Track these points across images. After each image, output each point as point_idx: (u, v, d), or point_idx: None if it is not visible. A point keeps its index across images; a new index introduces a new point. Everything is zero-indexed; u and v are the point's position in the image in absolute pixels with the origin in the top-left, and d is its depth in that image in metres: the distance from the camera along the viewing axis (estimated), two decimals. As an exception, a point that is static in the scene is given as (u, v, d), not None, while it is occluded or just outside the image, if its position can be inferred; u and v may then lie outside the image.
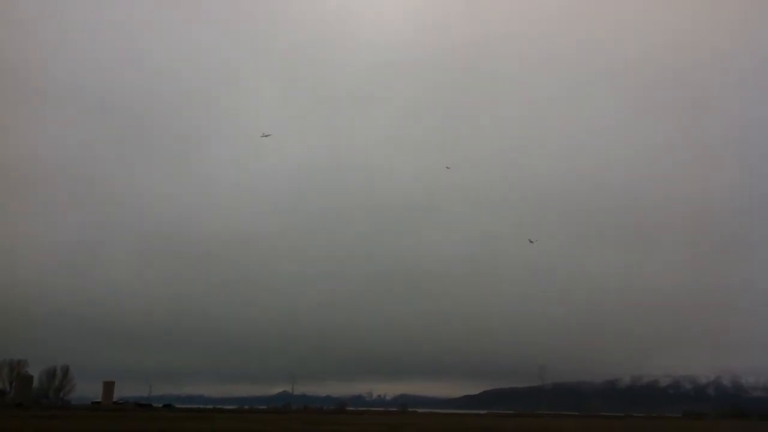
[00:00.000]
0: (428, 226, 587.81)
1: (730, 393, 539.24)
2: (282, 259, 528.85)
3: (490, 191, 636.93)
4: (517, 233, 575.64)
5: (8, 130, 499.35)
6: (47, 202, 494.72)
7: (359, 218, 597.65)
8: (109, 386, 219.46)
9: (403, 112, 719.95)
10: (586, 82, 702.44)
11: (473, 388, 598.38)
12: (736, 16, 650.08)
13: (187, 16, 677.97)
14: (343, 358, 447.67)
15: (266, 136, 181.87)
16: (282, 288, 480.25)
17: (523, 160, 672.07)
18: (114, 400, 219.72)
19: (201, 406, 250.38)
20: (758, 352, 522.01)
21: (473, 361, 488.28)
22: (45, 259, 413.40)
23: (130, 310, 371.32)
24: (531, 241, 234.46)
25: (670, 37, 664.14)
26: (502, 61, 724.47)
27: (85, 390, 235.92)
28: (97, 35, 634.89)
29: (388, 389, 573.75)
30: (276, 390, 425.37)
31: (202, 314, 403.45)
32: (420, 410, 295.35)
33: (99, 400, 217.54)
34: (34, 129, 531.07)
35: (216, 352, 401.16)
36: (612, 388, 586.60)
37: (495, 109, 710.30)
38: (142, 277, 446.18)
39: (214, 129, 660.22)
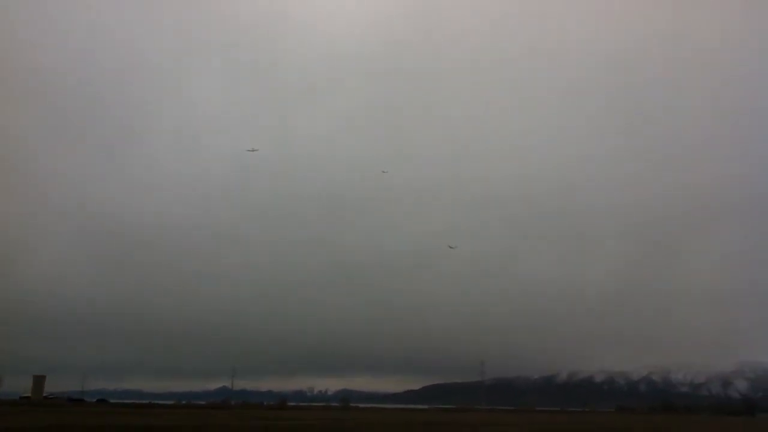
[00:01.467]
0: (372, 222, 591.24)
1: (659, 388, 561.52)
2: (223, 251, 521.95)
3: (435, 189, 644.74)
4: (460, 232, 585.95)
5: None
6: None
7: (303, 211, 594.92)
8: (39, 380, 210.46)
9: (352, 105, 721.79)
10: (532, 87, 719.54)
11: (415, 384, 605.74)
12: (677, 23, 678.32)
13: (134, 3, 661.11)
14: (284, 353, 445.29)
15: (252, 151, 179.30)
16: (223, 278, 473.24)
17: (467, 161, 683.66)
18: (45, 394, 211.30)
19: (137, 401, 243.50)
20: (686, 350, 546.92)
21: (415, 357, 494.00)
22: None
23: (62, 303, 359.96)
24: (451, 247, 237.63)
25: (619, 44, 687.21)
26: (451, 60, 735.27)
27: (14, 386, 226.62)
28: (28, 19, 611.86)
29: (330, 384, 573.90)
30: (215, 385, 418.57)
31: (139, 307, 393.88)
32: (362, 405, 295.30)
33: (28, 395, 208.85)
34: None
35: (153, 347, 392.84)
36: (549, 384, 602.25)
37: (443, 108, 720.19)
38: (76, 268, 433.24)
39: (154, 118, 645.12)
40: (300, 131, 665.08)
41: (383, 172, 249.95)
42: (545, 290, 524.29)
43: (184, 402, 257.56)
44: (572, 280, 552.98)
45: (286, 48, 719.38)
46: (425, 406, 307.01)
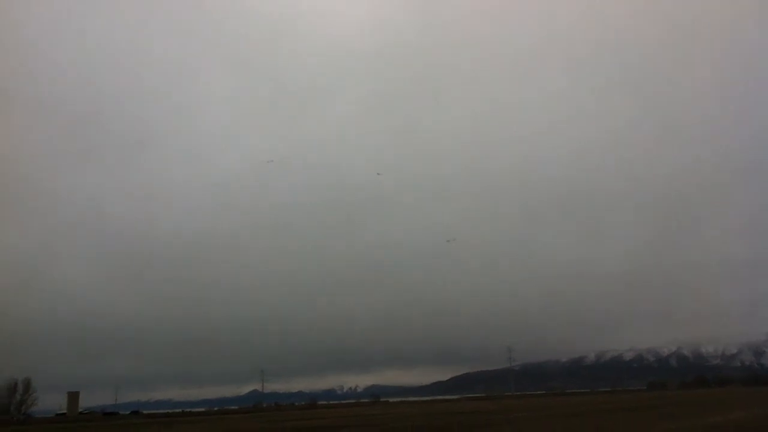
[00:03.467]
0: (390, 218, 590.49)
1: (690, 363, 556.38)
2: (243, 257, 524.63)
3: (449, 181, 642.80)
4: (478, 222, 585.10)
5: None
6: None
7: (321, 212, 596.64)
8: (73, 396, 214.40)
9: (363, 105, 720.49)
10: (541, 70, 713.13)
11: (443, 374, 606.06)
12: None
13: (136, 11, 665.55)
14: (312, 353, 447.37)
15: (270, 162, 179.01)
16: (245, 286, 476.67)
17: (480, 151, 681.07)
18: (80, 410, 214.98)
19: (169, 411, 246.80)
20: (715, 322, 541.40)
21: (441, 348, 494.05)
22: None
23: (91, 318, 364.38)
24: (448, 241, 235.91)
25: (627, 20, 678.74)
26: (458, 55, 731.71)
27: (50, 402, 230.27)
28: (41, 32, 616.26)
29: (359, 381, 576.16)
30: (246, 390, 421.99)
31: (166, 316, 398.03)
32: (392, 399, 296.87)
33: (64, 411, 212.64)
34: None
35: (183, 355, 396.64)
36: (578, 366, 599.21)
37: (451, 102, 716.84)
38: (101, 282, 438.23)
39: (166, 126, 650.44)
40: (309, 132, 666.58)
41: (378, 174, 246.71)
42: (567, 273, 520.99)
43: (216, 408, 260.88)
44: (593, 260, 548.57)
45: (293, 49, 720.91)
46: (455, 396, 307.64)
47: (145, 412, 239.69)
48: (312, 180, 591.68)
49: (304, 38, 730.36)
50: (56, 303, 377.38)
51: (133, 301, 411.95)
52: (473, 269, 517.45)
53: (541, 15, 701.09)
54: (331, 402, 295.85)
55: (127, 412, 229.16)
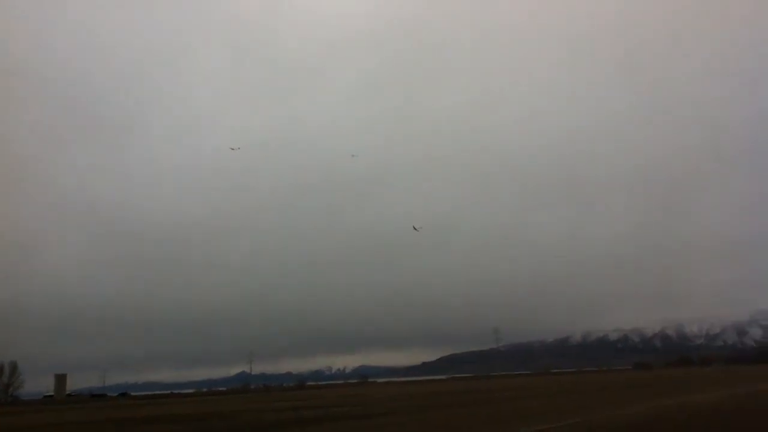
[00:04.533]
0: (380, 199, 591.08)
1: (675, 342, 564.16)
2: (233, 237, 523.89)
3: (442, 164, 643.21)
4: (466, 204, 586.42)
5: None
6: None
7: (312, 193, 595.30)
8: (61, 379, 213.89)
9: (357, 86, 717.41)
10: (537, 54, 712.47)
11: (431, 355, 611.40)
12: None
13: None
14: (301, 335, 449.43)
15: (235, 149, 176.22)
16: (234, 266, 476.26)
17: (474, 135, 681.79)
18: (67, 392, 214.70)
19: (158, 393, 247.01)
20: (699, 302, 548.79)
21: (429, 329, 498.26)
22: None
23: (77, 299, 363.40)
24: (415, 228, 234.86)
25: (623, 4, 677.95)
26: (452, 34, 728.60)
27: (37, 385, 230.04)
28: (25, 17, 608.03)
29: (347, 362, 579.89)
30: (234, 371, 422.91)
31: (154, 298, 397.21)
32: (380, 380, 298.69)
33: (51, 394, 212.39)
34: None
35: (171, 338, 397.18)
36: (564, 346, 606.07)
37: (445, 83, 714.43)
38: (87, 263, 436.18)
39: (154, 107, 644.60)
40: (303, 114, 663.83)
41: (353, 156, 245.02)
42: (556, 254, 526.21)
43: (204, 389, 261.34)
44: (582, 243, 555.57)
45: (287, 30, 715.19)
46: (443, 377, 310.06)
47: (133, 394, 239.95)
48: (303, 161, 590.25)
49: (297, 16, 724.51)
50: (44, 285, 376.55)
51: (121, 284, 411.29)
52: (462, 250, 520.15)
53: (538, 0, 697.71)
54: (320, 383, 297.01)
55: (116, 395, 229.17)
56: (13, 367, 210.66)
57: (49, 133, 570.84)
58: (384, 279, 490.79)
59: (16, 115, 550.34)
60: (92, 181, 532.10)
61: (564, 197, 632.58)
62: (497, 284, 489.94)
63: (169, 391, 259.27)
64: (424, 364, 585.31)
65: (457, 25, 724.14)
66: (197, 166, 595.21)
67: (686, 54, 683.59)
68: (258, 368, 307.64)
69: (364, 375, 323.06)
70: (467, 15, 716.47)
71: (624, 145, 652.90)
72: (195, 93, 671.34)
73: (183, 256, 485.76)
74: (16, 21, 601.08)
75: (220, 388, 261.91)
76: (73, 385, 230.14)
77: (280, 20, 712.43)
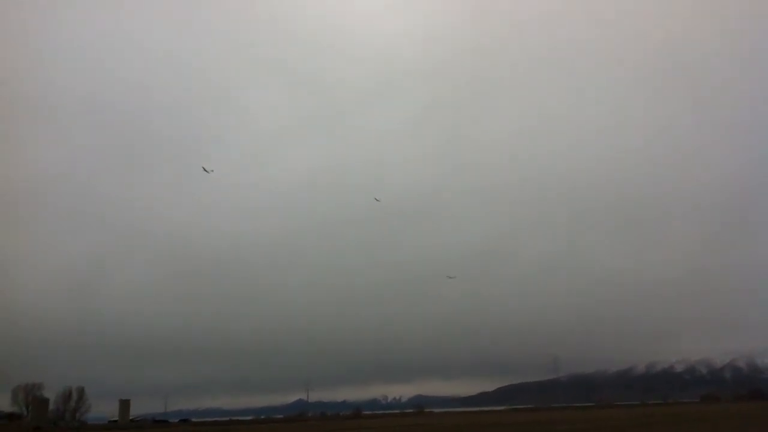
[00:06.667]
0: (436, 228, 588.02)
1: (745, 375, 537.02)
2: (291, 265, 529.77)
3: (495, 192, 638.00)
4: (524, 231, 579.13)
5: (7, 151, 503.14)
6: (50, 220, 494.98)
7: (368, 221, 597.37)
8: (125, 404, 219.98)
9: (412, 114, 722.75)
10: (589, 78, 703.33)
11: (488, 385, 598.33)
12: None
13: (188, 21, 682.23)
14: (357, 363, 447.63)
15: (208, 171, 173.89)
16: (293, 295, 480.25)
17: (527, 161, 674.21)
18: (131, 417, 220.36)
19: (217, 419, 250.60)
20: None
21: (487, 359, 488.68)
22: (53, 281, 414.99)
23: (142, 327, 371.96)
24: (450, 277, 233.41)
25: (678, 26, 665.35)
26: (506, 65, 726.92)
27: (102, 410, 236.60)
28: (94, 44, 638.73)
29: (403, 391, 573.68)
30: (292, 398, 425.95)
31: (215, 326, 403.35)
32: (436, 410, 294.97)
33: (116, 418, 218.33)
34: (31, 144, 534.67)
35: (230, 364, 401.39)
36: (627, 377, 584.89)
37: (499, 111, 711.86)
38: (152, 291, 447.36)
39: (218, 134, 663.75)
40: (353, 144, 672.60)
41: (376, 200, 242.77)
42: (615, 280, 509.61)
43: (263, 417, 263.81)
44: (642, 268, 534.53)
45: (342, 58, 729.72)
46: (501, 408, 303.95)
47: (194, 420, 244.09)
48: (359, 189, 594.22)
49: (355, 45, 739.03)
50: (108, 312, 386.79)
51: (185, 311, 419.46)
52: (521, 279, 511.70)
53: (587, 19, 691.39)
54: (376, 412, 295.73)
55: (177, 421, 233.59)
56: (81, 392, 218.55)
57: (114, 160, 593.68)
58: (439, 308, 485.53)
59: (79, 146, 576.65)
60: (157, 210, 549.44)
61: (623, 221, 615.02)
62: (555, 312, 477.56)
63: (228, 418, 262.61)
64: (481, 394, 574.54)
65: (506, 52, 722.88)
66: (258, 191, 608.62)
67: (749, 71, 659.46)
68: (314, 396, 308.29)
69: (419, 405, 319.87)
70: (515, 43, 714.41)
71: (688, 167, 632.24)
72: (256, 121, 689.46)
73: (243, 281, 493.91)
74: (82, 55, 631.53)
75: (278, 416, 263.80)
76: (135, 410, 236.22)
77: (335, 49, 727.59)
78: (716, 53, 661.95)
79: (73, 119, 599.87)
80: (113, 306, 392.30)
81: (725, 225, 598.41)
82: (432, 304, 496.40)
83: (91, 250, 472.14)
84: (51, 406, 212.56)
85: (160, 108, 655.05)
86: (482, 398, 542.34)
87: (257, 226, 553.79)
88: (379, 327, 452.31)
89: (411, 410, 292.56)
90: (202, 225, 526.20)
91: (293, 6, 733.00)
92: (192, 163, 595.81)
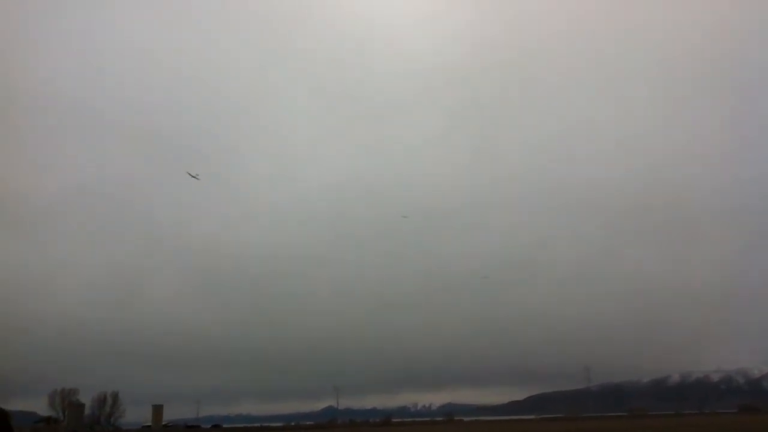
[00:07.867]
0: (467, 235, 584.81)
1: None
2: (322, 275, 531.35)
3: (530, 198, 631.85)
4: (557, 237, 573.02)
5: (42, 161, 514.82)
6: (86, 231, 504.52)
7: (397, 230, 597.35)
8: (158, 410, 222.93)
9: (443, 123, 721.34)
10: (628, 84, 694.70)
11: (518, 394, 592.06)
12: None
13: (216, 33, 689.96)
14: (387, 370, 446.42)
15: (194, 176, 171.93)
16: (323, 304, 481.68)
17: (562, 168, 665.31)
18: (163, 422, 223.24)
19: (248, 425, 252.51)
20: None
21: (518, 367, 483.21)
22: (89, 288, 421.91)
23: (175, 333, 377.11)
24: (485, 277, 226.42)
25: (714, 29, 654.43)
26: (540, 70, 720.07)
27: (136, 415, 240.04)
28: (126, 57, 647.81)
29: (433, 399, 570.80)
30: (321, 405, 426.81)
31: (247, 333, 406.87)
32: (466, 419, 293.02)
33: (149, 423, 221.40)
34: (68, 158, 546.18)
35: (262, 370, 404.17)
36: (661, 387, 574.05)
37: (534, 118, 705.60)
38: (185, 299, 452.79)
39: (250, 146, 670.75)
40: (390, 149, 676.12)
41: (404, 217, 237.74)
42: (649, 287, 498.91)
43: (293, 423, 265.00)
44: (677, 274, 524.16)
45: (372, 68, 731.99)
46: (531, 416, 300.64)
47: (225, 426, 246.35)
48: (389, 199, 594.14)
49: (385, 54, 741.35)
50: (142, 320, 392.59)
51: (214, 318, 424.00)
52: (551, 285, 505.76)
53: (615, 29, 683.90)
54: (405, 419, 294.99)
55: (209, 426, 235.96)
56: (115, 397, 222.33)
57: (149, 176, 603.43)
58: (470, 315, 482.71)
59: (115, 159, 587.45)
60: (189, 218, 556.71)
61: (659, 227, 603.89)
62: (587, 321, 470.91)
63: (258, 424, 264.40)
64: (511, 402, 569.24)
65: (542, 54, 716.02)
66: (289, 202, 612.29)
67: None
68: (344, 403, 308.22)
69: (449, 412, 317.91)
70: (553, 43, 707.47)
71: (725, 170, 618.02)
72: (288, 132, 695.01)
73: (274, 288, 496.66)
74: (113, 69, 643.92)
75: (308, 422, 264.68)
76: (168, 415, 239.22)
77: (366, 59, 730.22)
78: (755, 55, 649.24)
79: (107, 129, 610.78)
80: (147, 314, 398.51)
81: (763, 233, 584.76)
82: (463, 312, 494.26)
83: (127, 260, 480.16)
84: (86, 411, 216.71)
85: (196, 116, 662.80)
86: (512, 407, 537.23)
87: (287, 237, 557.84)
88: (410, 335, 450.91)
89: (441, 418, 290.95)
90: (232, 236, 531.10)
91: (325, 15, 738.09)
92: (221, 174, 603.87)
